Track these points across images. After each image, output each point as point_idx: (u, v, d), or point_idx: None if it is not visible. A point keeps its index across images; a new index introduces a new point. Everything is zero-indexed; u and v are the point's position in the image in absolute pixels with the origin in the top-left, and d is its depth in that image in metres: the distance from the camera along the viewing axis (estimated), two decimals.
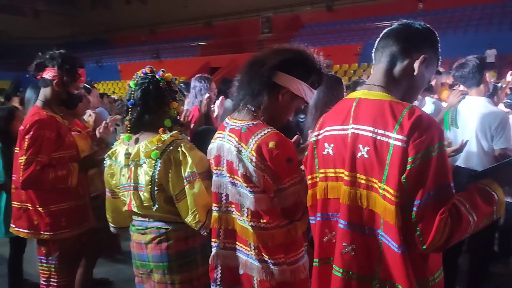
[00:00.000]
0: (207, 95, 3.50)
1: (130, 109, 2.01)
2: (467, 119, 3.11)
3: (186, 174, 1.85)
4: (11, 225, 2.66)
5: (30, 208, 2.54)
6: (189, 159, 1.85)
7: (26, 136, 2.41)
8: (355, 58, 18.00)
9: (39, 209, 2.51)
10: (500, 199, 1.36)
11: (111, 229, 2.28)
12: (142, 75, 2.02)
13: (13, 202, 2.67)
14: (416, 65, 1.40)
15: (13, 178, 2.71)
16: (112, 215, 2.23)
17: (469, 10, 18.87)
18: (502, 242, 4.16)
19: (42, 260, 2.58)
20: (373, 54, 1.49)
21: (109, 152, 2.10)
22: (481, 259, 3.30)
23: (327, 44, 20.10)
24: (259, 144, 1.63)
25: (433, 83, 3.88)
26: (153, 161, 1.88)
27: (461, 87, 3.57)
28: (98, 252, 3.25)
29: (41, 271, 2.60)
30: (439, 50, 1.46)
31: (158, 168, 1.88)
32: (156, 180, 1.89)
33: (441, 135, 1.27)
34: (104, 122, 2.90)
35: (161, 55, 24.53)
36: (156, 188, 1.90)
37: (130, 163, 1.96)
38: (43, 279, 2.59)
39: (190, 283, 1.97)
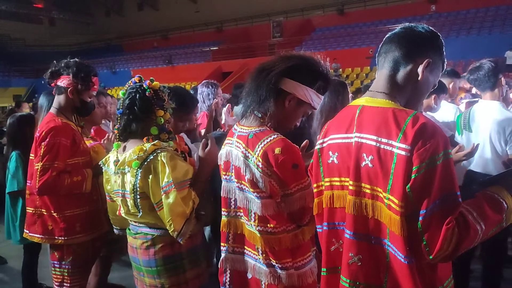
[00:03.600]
0: (215, 100, 3.53)
1: (119, 118, 2.06)
2: (481, 123, 3.06)
3: (163, 184, 1.88)
4: (25, 230, 2.70)
5: (45, 213, 2.58)
6: (167, 169, 1.88)
7: (42, 143, 2.45)
8: (367, 61, 17.89)
9: (54, 214, 2.55)
10: (509, 207, 1.33)
11: (115, 231, 2.34)
12: (131, 84, 2.07)
13: (27, 208, 2.71)
14: (420, 69, 1.37)
15: (27, 184, 2.75)
16: (113, 217, 2.30)
17: (483, 11, 18.63)
18: None
19: (55, 265, 2.62)
20: (376, 60, 1.48)
21: (103, 159, 2.16)
22: (494, 264, 3.24)
23: (339, 48, 20.04)
24: (265, 150, 1.65)
25: (450, 86, 3.82)
26: (134, 170, 1.93)
27: (474, 90, 3.54)
28: (112, 259, 3.28)
29: (54, 276, 2.63)
30: (444, 53, 1.42)
31: (139, 177, 1.92)
32: (138, 189, 1.93)
33: (446, 143, 1.25)
34: (108, 133, 2.95)
35: (173, 61, 24.74)
36: (138, 196, 1.95)
37: (117, 171, 2.02)
38: (56, 283, 2.62)
39: (178, 286, 2.02)
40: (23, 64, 27.70)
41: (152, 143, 1.95)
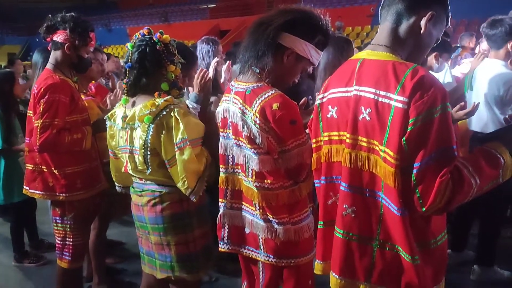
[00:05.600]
0: (216, 59, 3.45)
1: (127, 72, 1.99)
2: (481, 82, 3.04)
3: (177, 140, 1.86)
4: (25, 187, 2.73)
5: (45, 170, 2.60)
6: (181, 125, 1.85)
7: (42, 100, 2.43)
8: (368, 19, 17.49)
9: (55, 171, 2.56)
10: (506, 162, 1.33)
11: (117, 188, 2.34)
12: (140, 37, 1.99)
13: (26, 165, 2.72)
14: (423, 22, 1.35)
15: (26, 141, 2.75)
16: (116, 175, 2.29)
17: None
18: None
19: (57, 221, 2.66)
20: (379, 13, 1.45)
21: (109, 114, 2.13)
22: (492, 223, 3.26)
23: (339, 6, 19.53)
24: (262, 106, 1.64)
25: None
26: (146, 126, 1.89)
27: (484, 45, 3.45)
28: (111, 215, 3.35)
29: (56, 231, 2.68)
30: (449, 7, 1.39)
31: (151, 133, 1.89)
32: (149, 145, 1.90)
33: (444, 96, 1.24)
34: (116, 89, 2.93)
35: (169, 18, 24.15)
36: (149, 152, 1.92)
37: (126, 126, 1.98)
38: (59, 238, 2.67)
39: (185, 244, 2.01)
40: (16, 21, 27.05)
41: (164, 99, 1.90)
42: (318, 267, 1.53)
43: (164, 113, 1.88)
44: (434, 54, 3.15)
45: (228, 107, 1.79)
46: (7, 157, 3.61)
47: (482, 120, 3.02)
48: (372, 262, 1.36)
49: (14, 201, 3.60)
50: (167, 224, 1.99)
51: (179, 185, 1.89)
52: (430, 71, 3.16)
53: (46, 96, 2.43)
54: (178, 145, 1.85)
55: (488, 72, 3.00)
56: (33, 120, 2.51)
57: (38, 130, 2.42)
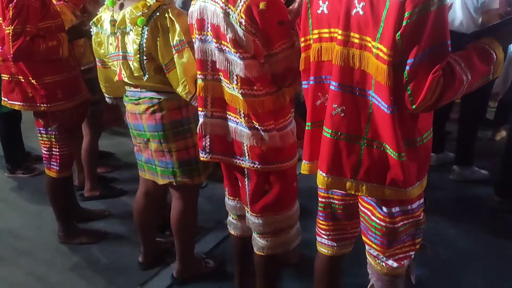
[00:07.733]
0: None
1: None
2: None
3: (175, 42, 1.78)
4: (3, 98, 2.65)
5: (23, 80, 2.51)
6: (177, 26, 1.76)
7: (10, 5, 2.28)
8: None
9: (33, 81, 2.48)
10: (498, 59, 1.31)
11: (107, 99, 2.29)
12: None
13: (2, 75, 2.62)
14: None
15: None
16: (105, 85, 2.22)
17: None
18: (499, 110, 4.27)
19: (42, 131, 2.64)
20: None
21: (94, 19, 2.01)
22: (470, 127, 3.38)
23: None
24: (248, 4, 1.52)
25: None
26: (140, 29, 1.79)
27: None
28: (102, 123, 3.33)
29: (41, 142, 2.67)
30: None
31: (145, 36, 1.80)
32: (144, 49, 1.82)
33: None
34: None
35: None
36: (145, 57, 1.84)
37: (116, 31, 1.87)
38: (45, 149, 2.67)
39: (186, 150, 2.03)
40: None
41: None
42: (305, 167, 1.55)
43: (158, 14, 1.78)
44: None
45: (205, 6, 1.63)
46: None
47: (457, 20, 3.05)
48: (359, 159, 1.38)
49: (3, 111, 3.50)
50: (167, 131, 1.98)
51: (179, 89, 1.83)
52: None
53: (15, 1, 2.27)
54: (176, 48, 1.78)
55: None
56: (4, 27, 2.36)
57: (10, 37, 2.29)
